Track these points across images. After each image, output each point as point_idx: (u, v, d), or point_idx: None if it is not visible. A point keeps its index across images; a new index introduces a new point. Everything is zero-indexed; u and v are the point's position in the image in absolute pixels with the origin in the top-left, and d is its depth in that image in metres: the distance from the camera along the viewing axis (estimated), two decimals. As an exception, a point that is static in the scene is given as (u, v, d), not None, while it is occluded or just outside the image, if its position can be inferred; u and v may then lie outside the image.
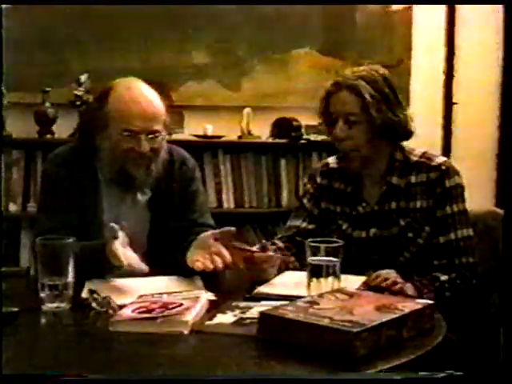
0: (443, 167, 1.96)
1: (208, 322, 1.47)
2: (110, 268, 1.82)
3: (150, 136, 1.99)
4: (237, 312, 1.53)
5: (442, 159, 2.01)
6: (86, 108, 2.11)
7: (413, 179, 1.98)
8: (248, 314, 1.50)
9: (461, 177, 2.00)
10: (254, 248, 1.88)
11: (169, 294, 1.65)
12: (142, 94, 2.01)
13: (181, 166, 2.17)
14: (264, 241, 1.96)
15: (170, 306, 1.51)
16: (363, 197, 2.03)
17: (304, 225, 2.10)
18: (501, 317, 1.60)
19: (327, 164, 2.14)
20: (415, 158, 2.00)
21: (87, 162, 2.07)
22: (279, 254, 1.92)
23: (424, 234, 1.96)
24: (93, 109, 2.11)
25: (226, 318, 1.49)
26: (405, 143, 2.04)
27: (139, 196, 2.09)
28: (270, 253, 1.87)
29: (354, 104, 1.94)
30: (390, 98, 1.95)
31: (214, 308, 1.57)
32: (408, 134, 2.01)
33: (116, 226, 1.77)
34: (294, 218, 2.14)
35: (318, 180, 2.12)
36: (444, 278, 1.88)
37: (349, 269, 1.70)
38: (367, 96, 1.92)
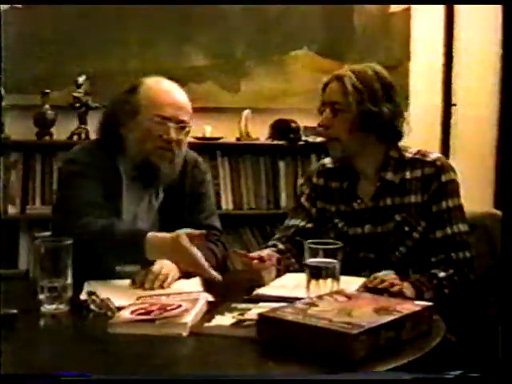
0: (438, 163, 1.98)
1: (206, 324, 1.47)
2: (143, 258, 1.83)
3: (179, 125, 2.05)
4: (235, 314, 1.53)
5: (436, 155, 2.02)
6: (113, 100, 2.13)
7: (408, 175, 1.99)
8: (247, 316, 1.50)
9: (456, 173, 2.01)
10: (253, 254, 1.87)
11: (167, 295, 1.66)
12: (172, 86, 2.13)
13: (193, 168, 2.20)
14: (265, 250, 1.95)
15: (169, 308, 1.51)
16: (358, 193, 2.04)
17: (303, 224, 2.10)
18: (499, 318, 1.60)
19: (323, 164, 2.16)
20: (410, 155, 2.02)
21: (110, 159, 2.07)
22: (280, 257, 1.92)
23: (420, 229, 1.96)
24: (122, 100, 2.11)
25: (224, 320, 1.49)
26: (401, 142, 2.05)
27: (154, 200, 2.11)
28: (268, 262, 1.85)
29: (338, 93, 1.99)
30: (375, 90, 1.98)
31: (212, 309, 1.57)
32: (398, 132, 2.01)
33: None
34: (292, 218, 2.14)
35: (314, 180, 2.14)
36: (442, 274, 1.87)
37: (345, 267, 1.69)
38: (348, 85, 1.96)
